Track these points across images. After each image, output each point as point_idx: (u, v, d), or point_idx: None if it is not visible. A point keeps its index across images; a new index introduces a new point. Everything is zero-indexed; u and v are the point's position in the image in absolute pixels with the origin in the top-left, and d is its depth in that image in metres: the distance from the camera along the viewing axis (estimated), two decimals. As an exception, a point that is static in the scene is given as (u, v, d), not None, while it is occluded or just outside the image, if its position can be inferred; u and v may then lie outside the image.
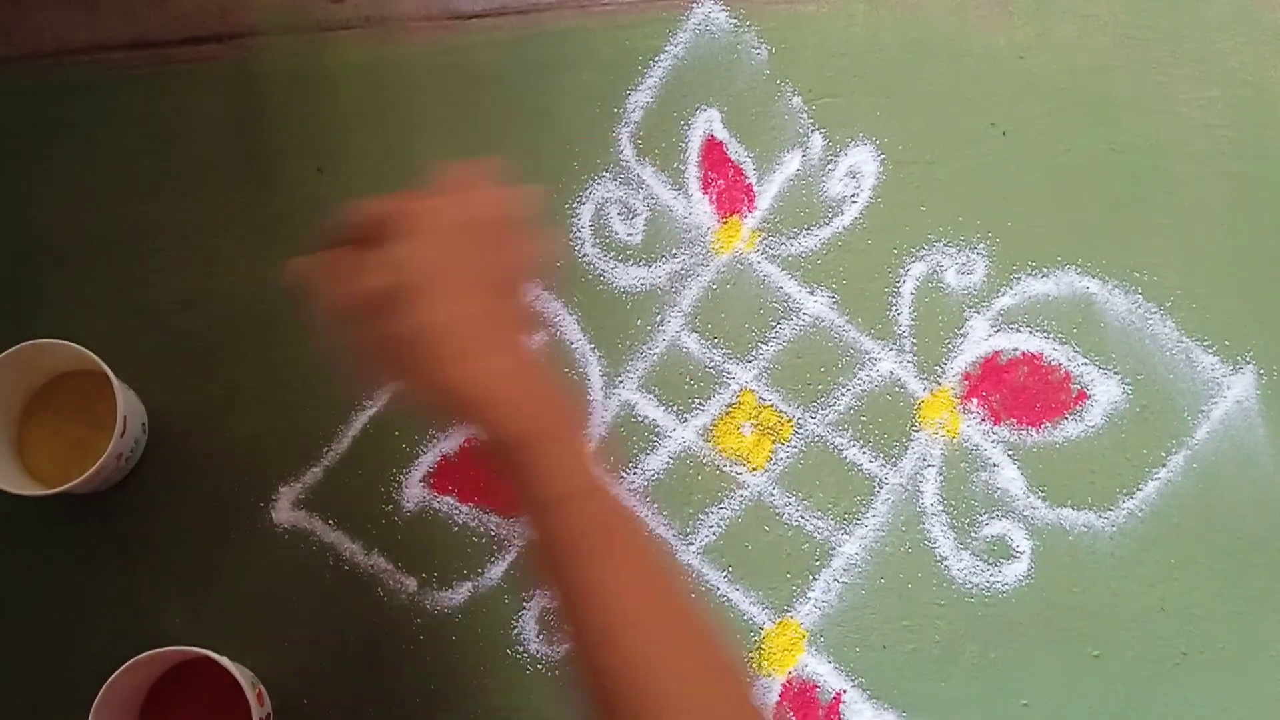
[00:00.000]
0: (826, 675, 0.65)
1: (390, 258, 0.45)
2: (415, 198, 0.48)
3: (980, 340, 0.69)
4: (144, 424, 0.66)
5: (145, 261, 0.69)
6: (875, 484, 0.68)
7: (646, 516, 0.65)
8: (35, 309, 0.68)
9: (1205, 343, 0.70)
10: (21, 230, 0.69)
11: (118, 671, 0.57)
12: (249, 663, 0.63)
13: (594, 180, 0.71)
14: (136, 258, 0.69)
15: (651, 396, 0.68)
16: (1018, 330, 0.70)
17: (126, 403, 0.62)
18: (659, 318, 0.69)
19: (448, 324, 0.45)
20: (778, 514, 0.67)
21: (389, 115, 0.71)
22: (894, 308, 0.70)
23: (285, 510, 0.66)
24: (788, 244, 0.71)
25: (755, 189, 0.71)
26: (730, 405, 0.68)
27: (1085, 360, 0.69)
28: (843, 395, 0.69)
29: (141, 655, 0.58)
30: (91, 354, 0.61)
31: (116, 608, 0.65)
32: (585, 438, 0.44)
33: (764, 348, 0.69)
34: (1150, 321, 0.70)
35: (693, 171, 0.71)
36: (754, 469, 0.68)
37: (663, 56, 0.73)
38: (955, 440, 0.68)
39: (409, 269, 0.45)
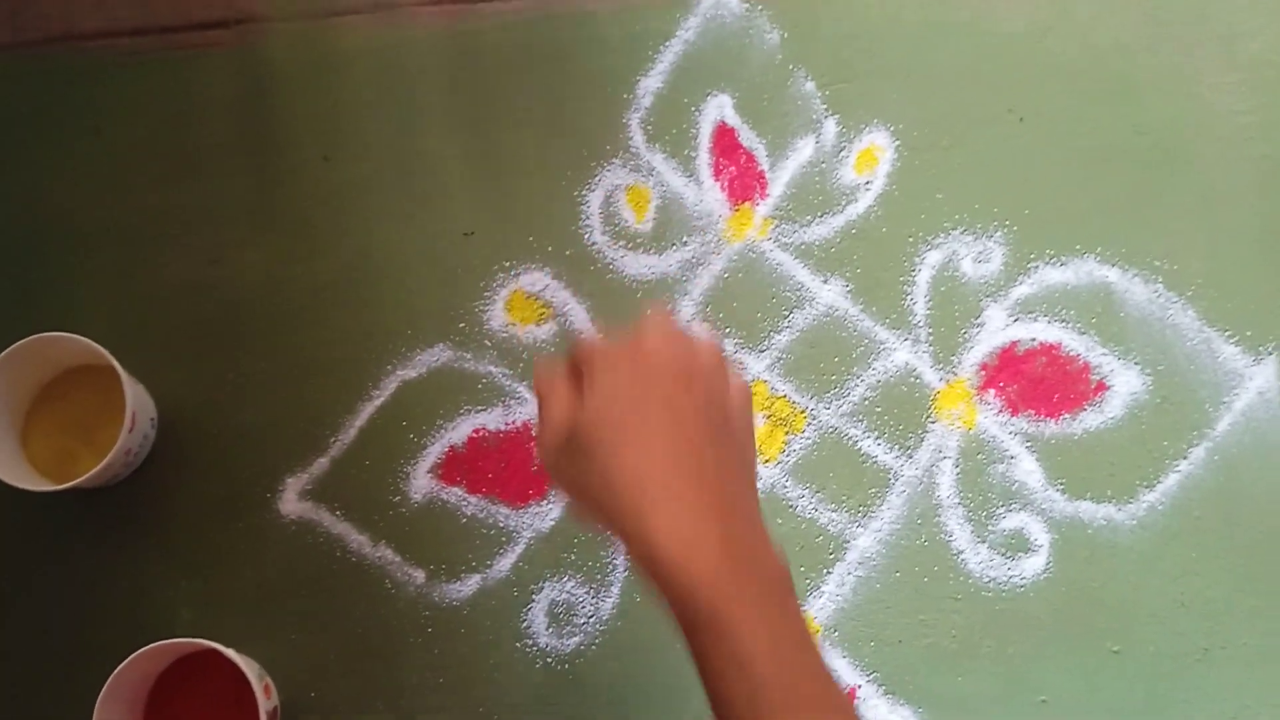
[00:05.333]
0: (841, 670, 0.64)
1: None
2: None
3: (997, 330, 0.68)
4: (153, 419, 0.65)
5: (151, 250, 0.68)
6: (890, 476, 0.66)
7: None
8: (42, 298, 0.68)
9: (1227, 333, 0.68)
10: (27, 219, 0.69)
11: (124, 662, 0.57)
12: (256, 654, 0.63)
13: (603, 167, 0.70)
14: (142, 246, 0.68)
15: (662, 387, 0.67)
16: (1036, 320, 0.68)
17: (135, 398, 0.62)
18: (669, 307, 0.68)
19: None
20: (791, 506, 0.66)
21: (396, 102, 0.70)
22: (909, 297, 0.69)
23: (292, 501, 0.65)
24: (801, 232, 0.69)
25: (768, 176, 0.70)
26: (742, 396, 0.67)
27: (1105, 350, 0.68)
28: (857, 386, 0.68)
29: (148, 647, 0.57)
30: (101, 348, 0.61)
31: (123, 599, 0.64)
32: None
33: (777, 337, 0.68)
34: (1171, 311, 0.68)
35: (704, 158, 0.70)
36: (767, 461, 0.67)
37: (673, 41, 0.71)
38: (972, 432, 0.67)
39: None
